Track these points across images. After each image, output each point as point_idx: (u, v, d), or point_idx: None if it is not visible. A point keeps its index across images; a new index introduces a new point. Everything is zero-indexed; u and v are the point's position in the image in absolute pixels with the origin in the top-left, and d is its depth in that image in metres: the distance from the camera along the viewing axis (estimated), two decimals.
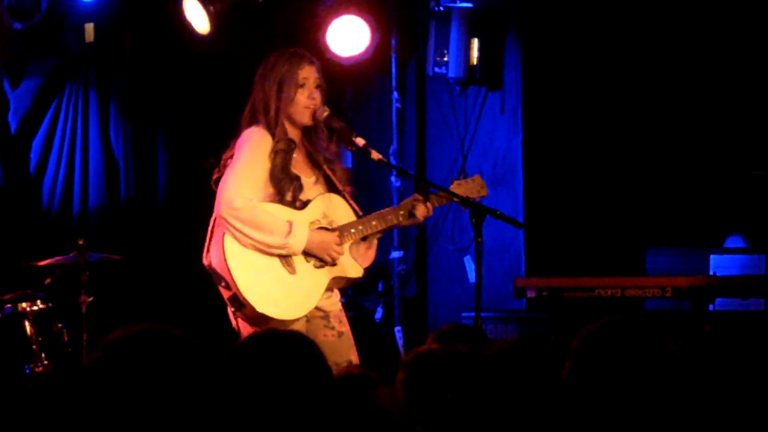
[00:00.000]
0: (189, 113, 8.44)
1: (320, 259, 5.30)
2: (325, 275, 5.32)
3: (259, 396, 2.80)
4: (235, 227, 5.12)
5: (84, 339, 6.79)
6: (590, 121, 8.01)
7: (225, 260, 5.13)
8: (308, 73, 5.36)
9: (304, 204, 5.30)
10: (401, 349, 8.12)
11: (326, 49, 7.85)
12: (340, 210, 5.41)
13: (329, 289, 5.37)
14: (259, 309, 5.12)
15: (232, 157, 5.31)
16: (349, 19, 7.92)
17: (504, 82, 8.18)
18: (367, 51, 7.96)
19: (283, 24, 8.02)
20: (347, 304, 8.38)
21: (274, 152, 5.26)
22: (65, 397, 2.71)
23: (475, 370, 2.97)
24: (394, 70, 8.47)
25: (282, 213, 5.23)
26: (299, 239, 5.19)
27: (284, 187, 5.25)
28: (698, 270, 6.98)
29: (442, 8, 8.19)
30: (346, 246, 5.37)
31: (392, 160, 8.28)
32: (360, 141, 5.45)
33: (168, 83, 8.49)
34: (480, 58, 8.08)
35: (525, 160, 8.04)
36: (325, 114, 5.42)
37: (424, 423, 2.92)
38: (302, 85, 5.34)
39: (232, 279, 5.13)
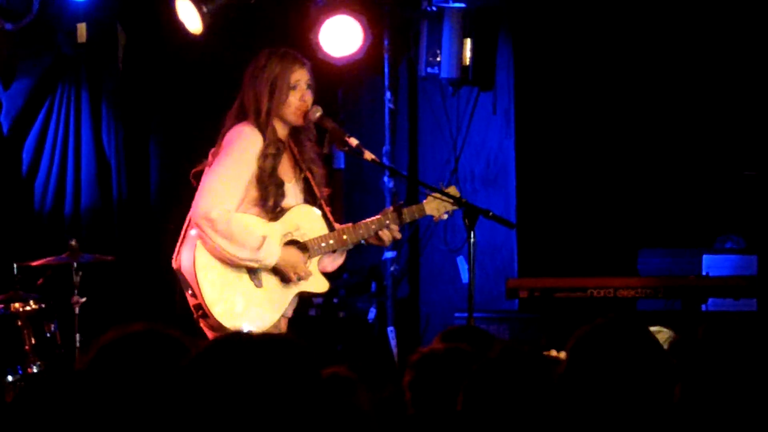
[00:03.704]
0: (181, 113, 8.42)
1: (287, 276, 5.35)
2: (290, 290, 5.42)
3: (240, 399, 2.78)
4: (209, 236, 5.17)
5: (77, 340, 6.77)
6: (582, 121, 8.01)
7: (194, 271, 5.23)
8: (300, 75, 5.37)
9: (281, 213, 5.32)
10: (394, 349, 8.12)
11: (319, 49, 7.84)
12: (313, 222, 5.46)
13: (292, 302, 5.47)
14: (225, 323, 5.22)
15: (217, 151, 5.31)
16: (342, 19, 7.90)
17: (496, 83, 8.18)
18: (359, 51, 7.95)
19: (275, 24, 8.01)
20: (340, 304, 8.41)
21: (264, 156, 5.27)
22: (56, 399, 2.70)
23: (483, 371, 2.95)
24: (386, 70, 8.46)
25: (257, 227, 5.28)
26: (272, 254, 5.27)
27: (269, 192, 5.29)
28: (691, 270, 6.98)
29: (434, 8, 8.18)
30: (315, 260, 5.42)
31: (385, 161, 8.28)
32: (353, 141, 5.46)
33: (160, 83, 8.47)
34: (473, 58, 8.07)
35: (517, 161, 8.04)
36: (318, 114, 5.43)
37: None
38: (294, 87, 5.34)
39: (200, 290, 5.21)
